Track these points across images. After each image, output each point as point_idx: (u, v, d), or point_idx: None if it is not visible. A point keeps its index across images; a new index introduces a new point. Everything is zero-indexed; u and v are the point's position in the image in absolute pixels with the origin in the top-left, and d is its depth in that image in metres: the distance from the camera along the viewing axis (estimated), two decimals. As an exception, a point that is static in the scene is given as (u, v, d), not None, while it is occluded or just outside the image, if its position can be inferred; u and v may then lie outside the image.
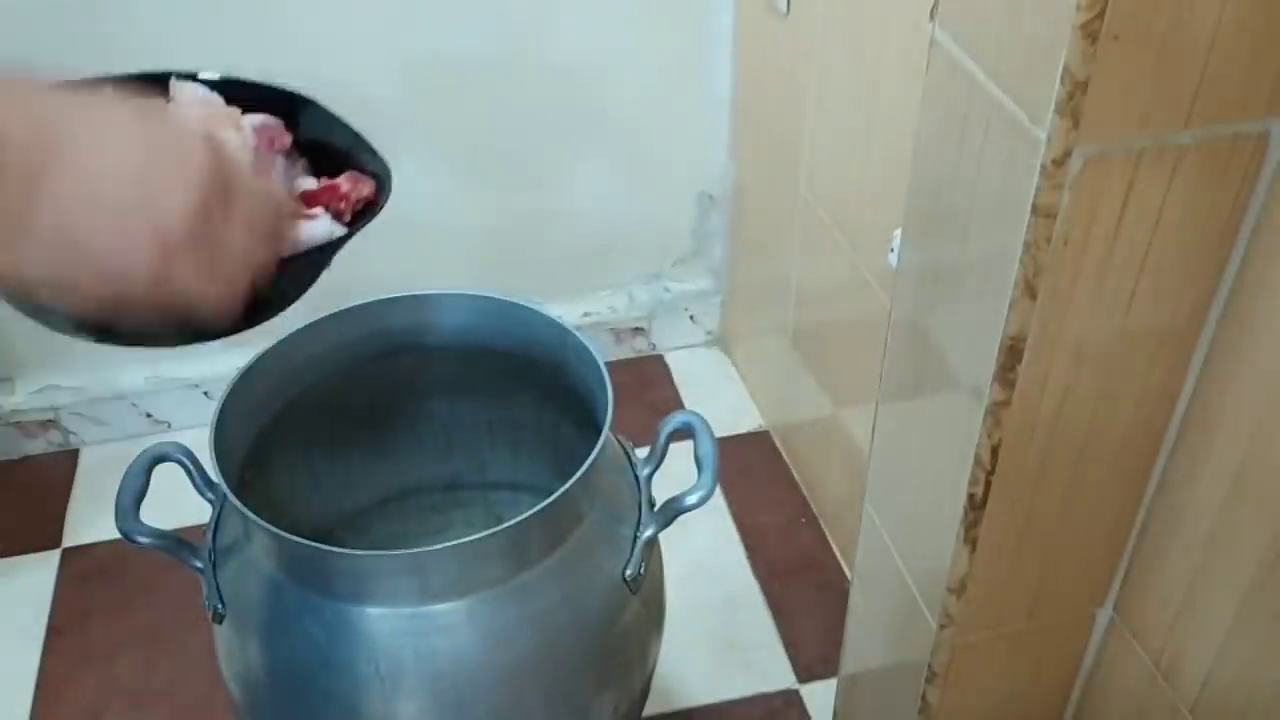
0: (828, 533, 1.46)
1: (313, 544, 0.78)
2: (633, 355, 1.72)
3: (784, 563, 1.42)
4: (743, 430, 1.61)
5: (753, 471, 1.54)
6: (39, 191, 0.41)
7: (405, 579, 0.80)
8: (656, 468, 0.94)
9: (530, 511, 0.79)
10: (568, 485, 0.81)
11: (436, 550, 0.78)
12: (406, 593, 0.80)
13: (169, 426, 1.60)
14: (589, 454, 0.83)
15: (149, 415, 1.59)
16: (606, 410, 0.86)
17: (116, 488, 0.87)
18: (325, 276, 0.69)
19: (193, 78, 0.64)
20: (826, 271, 1.32)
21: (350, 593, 0.81)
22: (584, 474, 0.82)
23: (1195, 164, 0.64)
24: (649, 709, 1.03)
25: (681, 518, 0.89)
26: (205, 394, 1.57)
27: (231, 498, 0.80)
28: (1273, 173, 0.65)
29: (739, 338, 1.71)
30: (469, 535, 0.79)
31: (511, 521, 0.79)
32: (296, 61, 1.36)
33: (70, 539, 1.47)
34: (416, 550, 0.79)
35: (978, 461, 0.76)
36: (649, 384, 1.68)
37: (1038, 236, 0.65)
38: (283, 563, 0.83)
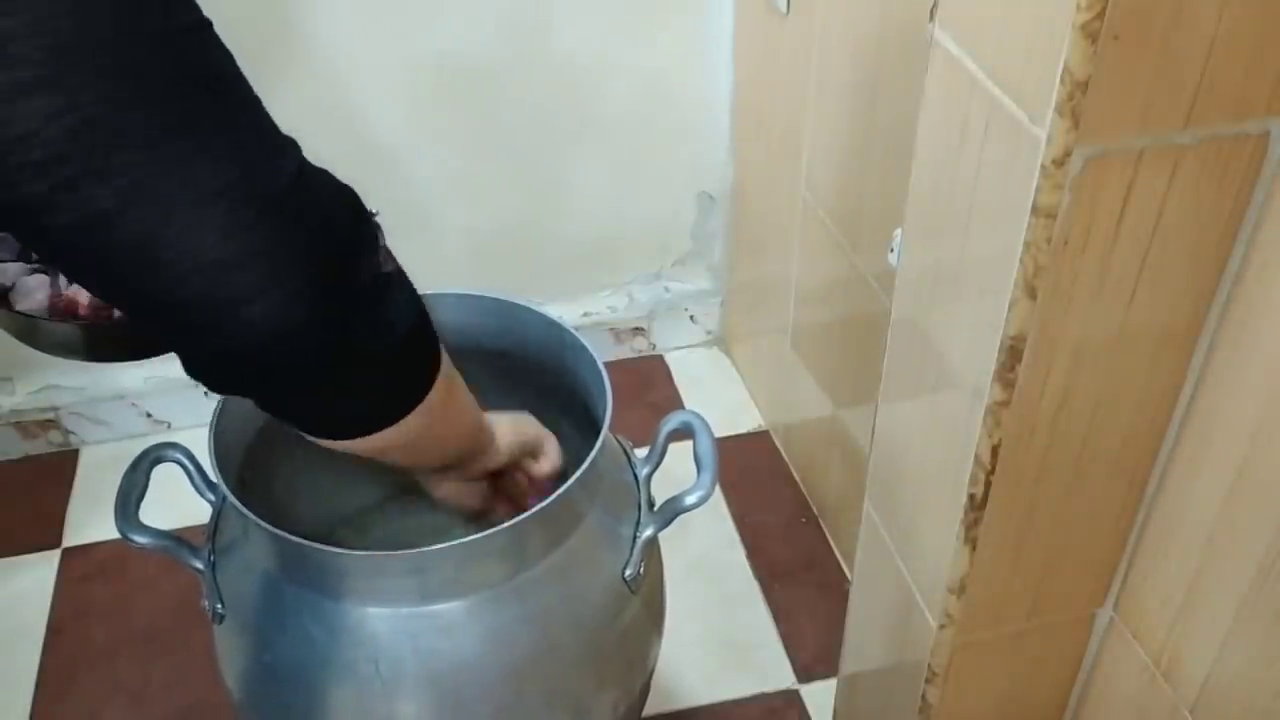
0: (828, 533, 1.46)
1: (312, 544, 0.78)
2: (633, 355, 1.72)
3: (784, 563, 1.42)
4: (743, 430, 1.61)
5: (753, 471, 1.54)
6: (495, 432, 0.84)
7: (405, 579, 0.80)
8: (656, 467, 0.94)
9: (529, 511, 0.79)
10: (566, 485, 0.81)
11: (436, 550, 0.78)
12: (406, 593, 0.80)
13: (169, 426, 1.60)
14: (588, 454, 0.83)
15: (149, 415, 1.59)
16: (606, 410, 0.86)
17: (116, 488, 0.87)
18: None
19: None
20: (826, 271, 1.32)
21: (350, 593, 0.81)
22: (583, 474, 0.82)
23: (1195, 164, 0.64)
24: (649, 708, 1.03)
25: (682, 517, 0.89)
26: (205, 394, 1.57)
27: (231, 498, 0.80)
28: (1273, 173, 0.65)
29: (739, 338, 1.70)
30: (469, 535, 0.79)
31: (510, 521, 0.79)
32: (299, 62, 1.37)
33: (70, 539, 1.47)
34: (416, 550, 0.79)
35: (978, 461, 0.76)
36: (649, 384, 1.68)
37: (1038, 236, 0.65)
38: (282, 563, 0.83)
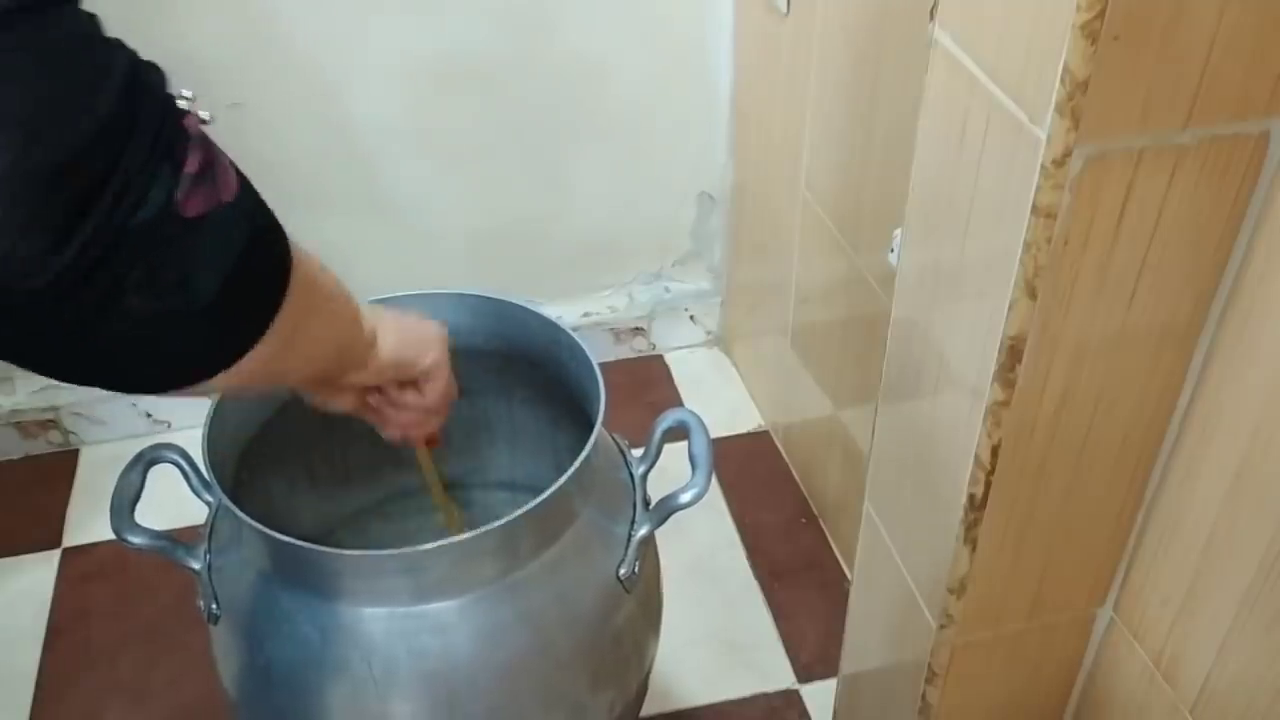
0: (828, 533, 1.46)
1: (304, 544, 0.78)
2: (633, 355, 1.72)
3: (784, 563, 1.42)
4: (743, 430, 1.61)
5: (753, 471, 1.54)
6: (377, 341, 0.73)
7: (398, 578, 0.80)
8: (651, 465, 0.94)
9: (521, 510, 0.79)
10: (559, 483, 0.80)
11: (428, 550, 0.78)
12: (400, 592, 0.80)
13: (169, 426, 1.60)
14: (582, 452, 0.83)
15: (149, 415, 1.59)
16: (599, 408, 0.86)
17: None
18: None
19: None
20: (826, 271, 1.32)
21: (343, 593, 0.81)
22: (576, 471, 0.81)
23: (1195, 164, 0.64)
24: (649, 708, 1.03)
25: (682, 517, 0.89)
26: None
27: (224, 499, 0.80)
28: (1273, 173, 0.65)
29: (739, 338, 1.70)
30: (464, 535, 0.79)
31: (503, 520, 0.79)
32: (300, 62, 1.36)
33: (70, 539, 1.47)
34: (408, 550, 0.79)
35: (978, 461, 0.76)
36: (649, 384, 1.68)
37: (1038, 236, 0.65)
38: (276, 563, 0.83)
